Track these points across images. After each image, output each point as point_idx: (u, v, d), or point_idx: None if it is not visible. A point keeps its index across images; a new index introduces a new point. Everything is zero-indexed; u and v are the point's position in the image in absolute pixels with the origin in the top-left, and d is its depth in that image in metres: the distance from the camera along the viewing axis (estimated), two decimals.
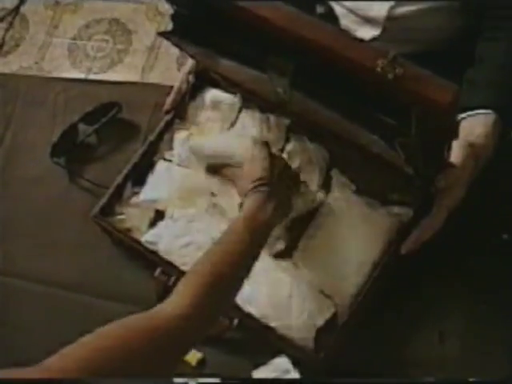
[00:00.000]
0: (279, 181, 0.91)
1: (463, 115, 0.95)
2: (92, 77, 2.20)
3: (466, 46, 1.02)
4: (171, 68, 2.18)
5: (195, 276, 0.78)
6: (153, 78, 2.20)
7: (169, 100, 1.13)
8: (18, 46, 2.39)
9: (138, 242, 1.03)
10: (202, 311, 0.74)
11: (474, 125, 0.94)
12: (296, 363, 0.92)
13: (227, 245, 0.82)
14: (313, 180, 1.04)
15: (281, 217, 0.93)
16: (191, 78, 1.14)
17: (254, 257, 0.84)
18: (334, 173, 1.04)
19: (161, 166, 1.09)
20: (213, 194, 1.06)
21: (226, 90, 1.12)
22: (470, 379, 0.88)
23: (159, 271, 0.99)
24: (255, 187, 0.88)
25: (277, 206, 0.88)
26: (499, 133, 0.94)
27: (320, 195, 1.01)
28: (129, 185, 1.08)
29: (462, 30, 1.09)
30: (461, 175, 0.90)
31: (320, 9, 1.24)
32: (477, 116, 0.94)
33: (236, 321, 0.94)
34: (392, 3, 1.06)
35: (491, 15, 1.01)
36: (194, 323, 0.73)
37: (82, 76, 2.19)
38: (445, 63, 1.09)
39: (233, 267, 0.80)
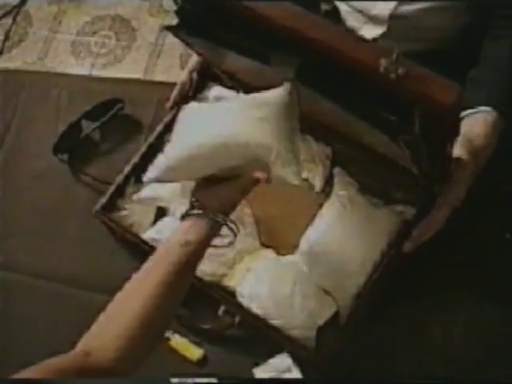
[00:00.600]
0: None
1: (465, 113, 0.95)
2: (95, 73, 2.20)
3: (470, 44, 1.02)
4: (174, 65, 2.18)
5: (126, 321, 0.73)
6: (156, 75, 2.20)
7: (172, 96, 1.13)
8: (21, 41, 2.39)
9: (140, 239, 1.03)
10: (134, 357, 0.73)
11: (475, 123, 0.93)
12: (297, 361, 0.92)
13: (160, 272, 0.76)
14: (316, 178, 1.04)
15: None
16: (195, 75, 1.14)
17: (190, 277, 0.81)
18: (337, 171, 1.04)
19: None
20: None
21: (230, 87, 1.12)
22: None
23: None
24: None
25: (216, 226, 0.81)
26: (501, 131, 0.94)
27: None
28: (132, 181, 1.08)
29: (467, 28, 1.09)
30: (461, 174, 0.90)
31: (325, 7, 1.24)
32: (478, 114, 0.94)
33: (238, 318, 0.95)
34: (396, 2, 1.06)
35: (496, 14, 1.01)
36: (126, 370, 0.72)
37: (85, 72, 2.19)
38: (449, 62, 1.09)
39: (166, 299, 0.75)
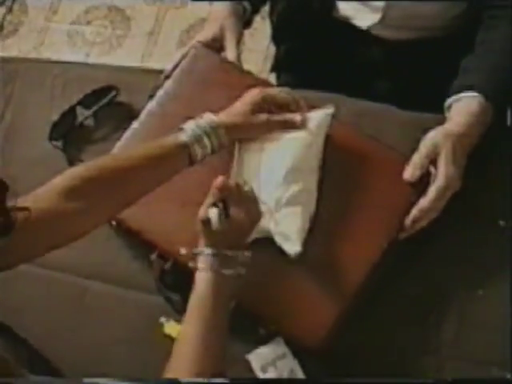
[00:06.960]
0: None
1: (449, 101, 0.95)
2: (91, 61, 2.19)
3: (466, 32, 1.02)
4: (171, 54, 2.17)
5: None
6: (152, 63, 2.19)
7: (165, 76, 1.13)
8: (16, 30, 2.38)
9: (136, 227, 1.02)
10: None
11: (457, 111, 0.93)
12: (292, 347, 0.92)
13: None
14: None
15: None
16: None
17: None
18: None
19: None
20: None
21: None
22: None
23: (156, 255, 0.99)
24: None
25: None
26: (488, 117, 0.93)
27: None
28: None
29: (462, 16, 1.09)
30: (450, 165, 0.90)
31: None
32: (462, 101, 0.93)
33: (233, 303, 0.94)
34: None
35: (491, 3, 1.01)
36: None
37: (80, 61, 2.18)
38: (445, 50, 1.09)
39: None
